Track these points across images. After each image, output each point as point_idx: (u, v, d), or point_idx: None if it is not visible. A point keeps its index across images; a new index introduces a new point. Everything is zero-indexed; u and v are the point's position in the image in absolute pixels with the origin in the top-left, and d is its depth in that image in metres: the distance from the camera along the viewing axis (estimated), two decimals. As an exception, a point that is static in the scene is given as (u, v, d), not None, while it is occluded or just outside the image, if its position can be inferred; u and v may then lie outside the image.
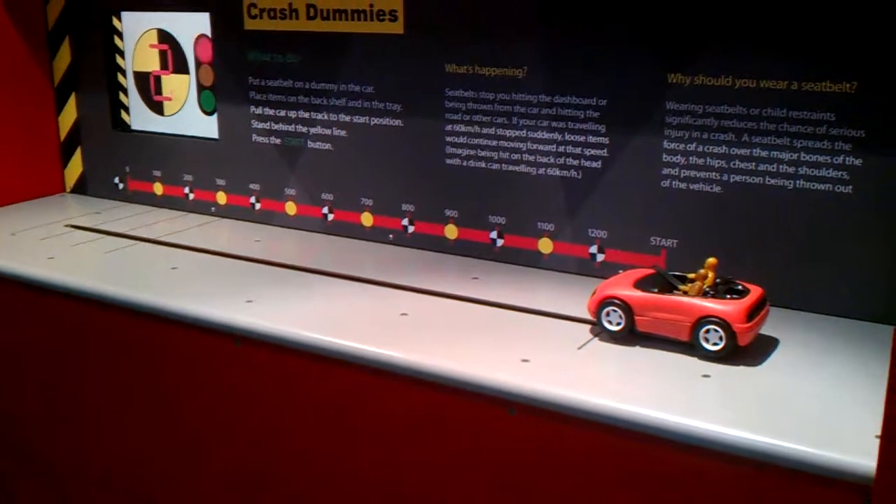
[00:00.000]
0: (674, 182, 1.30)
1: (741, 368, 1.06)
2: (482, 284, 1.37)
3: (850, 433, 0.91)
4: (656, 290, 1.13)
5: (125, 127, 1.90)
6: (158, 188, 1.85)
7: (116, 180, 1.91)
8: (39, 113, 1.92)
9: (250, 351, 1.24)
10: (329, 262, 1.47)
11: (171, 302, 1.31)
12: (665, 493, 0.98)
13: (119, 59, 1.87)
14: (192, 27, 1.74)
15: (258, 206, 1.73)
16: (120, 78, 1.88)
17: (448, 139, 1.48)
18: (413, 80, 1.50)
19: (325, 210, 1.65)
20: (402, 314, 1.25)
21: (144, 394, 1.40)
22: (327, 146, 1.62)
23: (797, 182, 1.22)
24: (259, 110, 1.68)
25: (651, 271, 1.19)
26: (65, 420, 1.53)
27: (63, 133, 1.96)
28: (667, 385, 1.02)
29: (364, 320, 1.23)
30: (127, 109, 1.89)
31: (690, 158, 1.28)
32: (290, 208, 1.69)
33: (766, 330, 1.13)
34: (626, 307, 1.12)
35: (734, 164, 1.25)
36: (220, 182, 1.76)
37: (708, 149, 1.27)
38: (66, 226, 1.72)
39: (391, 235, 1.58)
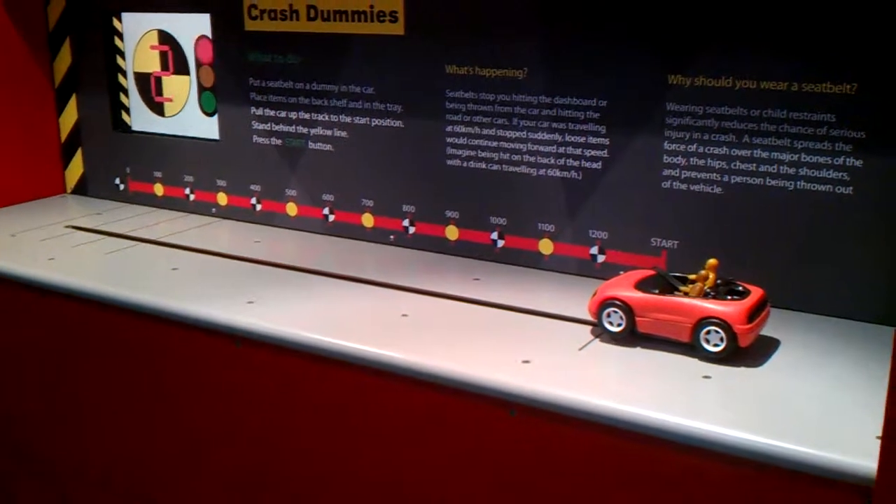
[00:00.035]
0: (674, 183, 1.30)
1: (742, 369, 1.06)
2: (483, 285, 1.37)
3: (851, 434, 0.91)
4: (657, 292, 1.13)
5: (126, 128, 1.90)
6: (159, 189, 1.85)
7: (117, 181, 1.91)
8: (40, 114, 1.92)
9: (251, 352, 1.24)
10: (330, 263, 1.47)
11: (171, 303, 1.31)
12: (666, 494, 0.98)
13: (120, 60, 1.87)
14: (192, 28, 1.74)
15: (259, 206, 1.73)
16: (121, 79, 1.88)
17: (448, 140, 1.48)
18: (413, 81, 1.50)
19: (326, 211, 1.65)
20: (403, 315, 1.25)
21: (145, 394, 1.40)
22: (328, 147, 1.62)
23: (798, 183, 1.22)
24: (260, 111, 1.68)
25: (652, 272, 1.19)
26: (65, 420, 1.53)
27: (64, 134, 1.96)
28: (667, 386, 1.02)
29: (365, 321, 1.23)
30: (128, 110, 1.89)
31: (691, 159, 1.28)
32: (291, 209, 1.69)
33: (767, 331, 1.13)
34: (627, 308, 1.12)
35: (735, 165, 1.25)
36: (221, 183, 1.76)
37: (708, 150, 1.27)
38: (67, 227, 1.72)
39: (392, 236, 1.58)
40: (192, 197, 1.81)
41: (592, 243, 1.39)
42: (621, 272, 1.25)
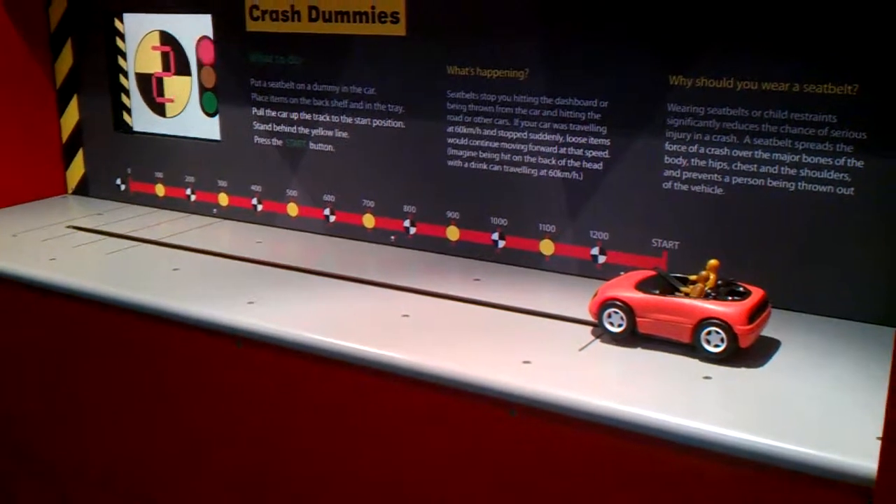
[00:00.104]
0: (675, 184, 1.30)
1: (742, 370, 1.06)
2: (483, 286, 1.37)
3: (852, 435, 0.91)
4: (658, 292, 1.13)
5: (127, 128, 1.90)
6: (160, 189, 1.85)
7: (118, 182, 1.91)
8: (41, 114, 1.93)
9: (251, 352, 1.24)
10: (331, 264, 1.47)
11: (172, 303, 1.31)
12: (666, 495, 0.98)
13: (121, 61, 1.87)
14: (193, 29, 1.74)
15: (260, 207, 1.73)
16: (122, 79, 1.88)
17: (450, 141, 1.48)
18: (415, 82, 1.50)
19: (327, 211, 1.65)
20: (404, 315, 1.25)
21: (145, 394, 1.40)
22: (329, 148, 1.62)
23: (799, 184, 1.22)
24: (261, 112, 1.68)
25: (652, 273, 1.19)
26: (65, 420, 1.53)
27: (65, 134, 1.97)
28: (668, 387, 1.02)
29: (365, 322, 1.23)
30: (129, 111, 1.89)
31: (692, 160, 1.28)
32: (292, 210, 1.69)
33: (768, 332, 1.13)
34: (628, 309, 1.12)
35: (736, 166, 1.25)
36: (222, 183, 1.76)
37: (709, 150, 1.27)
38: (68, 227, 1.72)
39: (393, 237, 1.58)
40: (193, 197, 1.81)
41: (593, 244, 1.39)
42: (622, 273, 1.25)
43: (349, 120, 1.58)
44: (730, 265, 1.18)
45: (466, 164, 1.48)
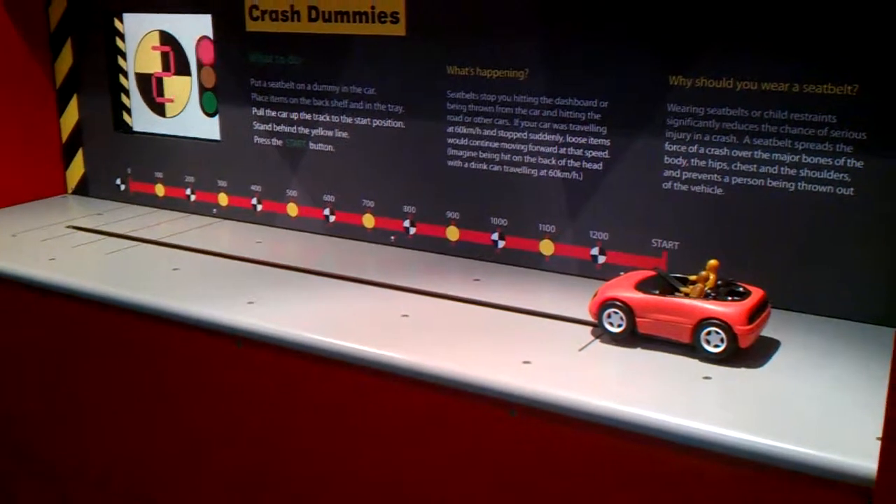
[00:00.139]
0: (675, 184, 1.30)
1: (742, 370, 1.06)
2: (483, 286, 1.37)
3: (851, 435, 0.91)
4: (657, 292, 1.13)
5: (127, 128, 1.90)
6: (160, 189, 1.85)
7: (118, 182, 1.91)
8: (41, 114, 1.93)
9: (251, 352, 1.24)
10: (330, 264, 1.47)
11: (172, 303, 1.31)
12: (666, 495, 0.98)
13: (121, 61, 1.87)
14: (193, 29, 1.74)
15: (260, 207, 1.73)
16: (122, 79, 1.88)
17: (449, 141, 1.48)
18: (415, 82, 1.50)
19: (327, 211, 1.65)
20: (404, 315, 1.25)
21: (145, 394, 1.40)
22: (329, 148, 1.62)
23: (798, 184, 1.22)
24: (261, 112, 1.68)
25: (652, 273, 1.19)
26: (65, 420, 1.53)
27: (65, 134, 1.97)
28: (668, 387, 1.02)
29: (365, 322, 1.23)
30: (129, 111, 1.89)
31: (692, 160, 1.28)
32: (292, 210, 1.69)
33: (768, 332, 1.13)
34: (628, 309, 1.12)
35: (735, 167, 1.25)
36: (222, 183, 1.76)
37: (709, 151, 1.27)
38: (68, 227, 1.72)
39: (393, 237, 1.58)
40: (192, 197, 1.81)
41: (593, 244, 1.39)
42: (622, 273, 1.25)
43: (349, 120, 1.58)
44: (729, 265, 1.18)
45: (466, 165, 1.48)
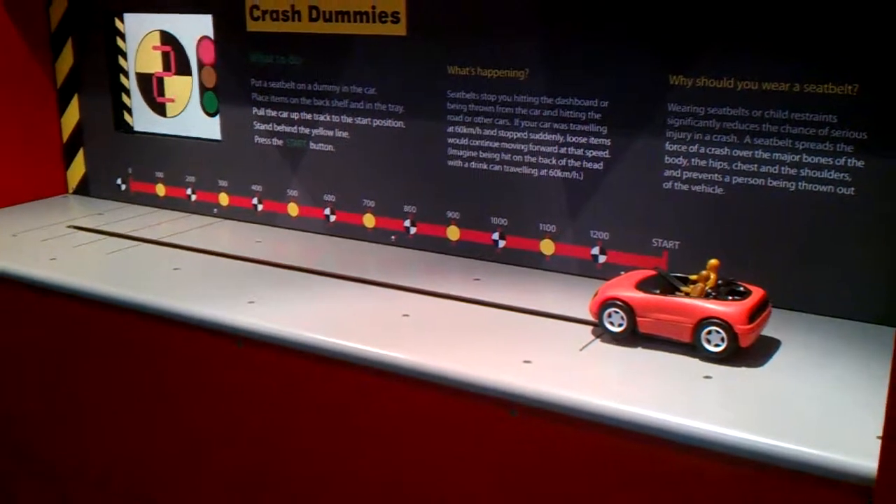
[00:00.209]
0: (676, 184, 1.30)
1: (743, 370, 1.06)
2: (484, 286, 1.37)
3: (852, 434, 0.91)
4: (658, 292, 1.13)
5: (128, 128, 1.90)
6: (161, 189, 1.85)
7: (119, 181, 1.91)
8: (42, 114, 1.93)
9: (252, 352, 1.24)
10: (331, 264, 1.47)
11: (173, 303, 1.31)
12: (666, 494, 0.98)
13: (122, 61, 1.87)
14: (194, 29, 1.74)
15: (260, 207, 1.73)
16: (122, 79, 1.88)
17: (450, 141, 1.48)
18: (415, 82, 1.50)
19: (328, 211, 1.65)
20: (404, 315, 1.25)
21: (146, 394, 1.40)
22: (329, 147, 1.62)
23: (799, 184, 1.22)
24: (261, 112, 1.68)
25: (653, 273, 1.19)
26: (65, 420, 1.53)
27: (65, 134, 1.97)
28: (668, 386, 1.02)
29: (366, 321, 1.23)
30: (129, 111, 1.89)
31: (692, 160, 1.28)
32: (293, 209, 1.69)
33: (768, 331, 1.13)
34: (628, 308, 1.12)
35: (736, 166, 1.25)
36: (223, 183, 1.76)
37: (710, 150, 1.27)
38: (69, 227, 1.72)
39: (393, 237, 1.58)
40: (193, 197, 1.81)
41: (594, 244, 1.39)
42: (622, 272, 1.25)
43: (349, 120, 1.58)
44: (730, 265, 1.18)
45: (467, 164, 1.48)
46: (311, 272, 1.44)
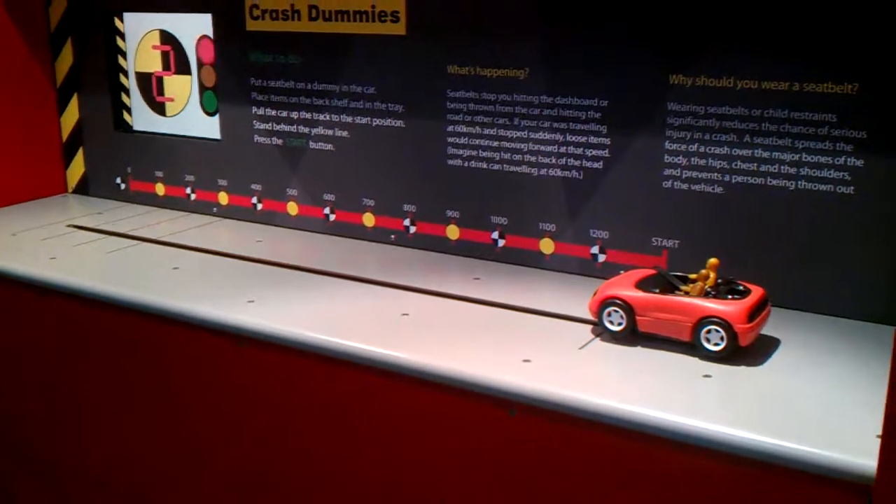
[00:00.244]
0: (675, 183, 1.30)
1: (742, 369, 1.06)
2: (484, 285, 1.37)
3: (852, 433, 0.91)
4: (658, 291, 1.13)
5: (127, 127, 1.90)
6: (160, 188, 1.85)
7: (118, 181, 1.91)
8: (41, 113, 1.93)
9: (251, 351, 1.24)
10: (331, 263, 1.47)
11: (172, 302, 1.31)
12: (666, 494, 0.98)
13: (121, 60, 1.87)
14: (194, 28, 1.74)
15: (260, 206, 1.73)
16: (122, 79, 1.88)
17: (450, 140, 1.48)
18: (415, 81, 1.50)
19: (327, 210, 1.65)
20: (404, 314, 1.25)
21: (145, 394, 1.40)
22: (329, 147, 1.62)
23: (799, 183, 1.22)
24: (261, 111, 1.68)
25: (652, 272, 1.19)
26: (65, 420, 1.53)
27: (65, 134, 1.97)
28: (668, 385, 1.02)
29: (366, 321, 1.23)
30: (129, 110, 1.89)
31: (692, 159, 1.28)
32: (292, 209, 1.69)
33: (768, 330, 1.13)
34: (628, 307, 1.12)
35: (736, 165, 1.25)
36: (222, 182, 1.76)
37: (709, 149, 1.27)
38: (68, 226, 1.72)
39: (393, 236, 1.58)
40: (193, 196, 1.81)
41: (593, 243, 1.39)
42: (622, 271, 1.25)
43: (349, 119, 1.58)
44: (730, 264, 1.18)
45: (466, 164, 1.48)
46: (310, 271, 1.44)
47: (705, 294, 1.11)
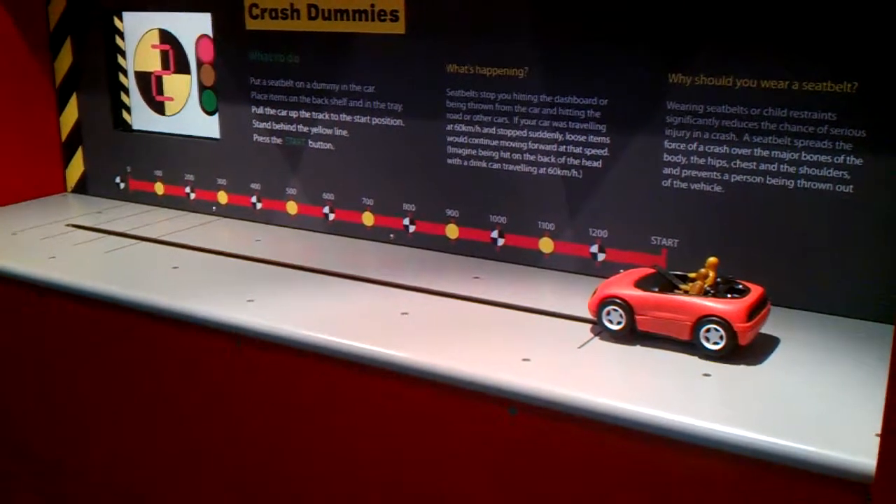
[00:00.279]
0: (675, 182, 1.30)
1: (742, 367, 1.06)
2: (483, 284, 1.37)
3: (851, 432, 0.91)
4: (657, 290, 1.13)
5: (126, 127, 1.90)
6: (159, 188, 1.85)
7: (118, 180, 1.91)
8: (41, 113, 1.93)
9: (251, 350, 1.24)
10: (330, 262, 1.47)
11: (172, 301, 1.31)
12: (664, 492, 0.98)
13: (120, 60, 1.87)
14: (193, 27, 1.74)
15: (259, 205, 1.73)
16: (121, 78, 1.88)
17: (449, 139, 1.48)
18: (414, 80, 1.50)
19: (327, 209, 1.65)
20: (403, 313, 1.25)
21: (145, 394, 1.40)
22: (328, 146, 1.62)
23: (798, 182, 1.22)
24: (260, 110, 1.68)
25: (652, 271, 1.19)
26: (65, 420, 1.53)
27: (64, 133, 1.97)
28: (667, 384, 1.02)
29: (365, 320, 1.23)
30: (128, 109, 1.89)
31: (691, 158, 1.28)
32: (292, 208, 1.69)
33: (767, 329, 1.13)
34: (627, 306, 1.12)
35: (735, 164, 1.25)
36: (222, 182, 1.76)
37: (709, 148, 1.27)
38: (68, 225, 1.72)
39: (392, 235, 1.58)
40: (192, 195, 1.81)
41: (593, 242, 1.39)
42: (621, 270, 1.25)
43: (348, 118, 1.58)
44: (729, 263, 1.18)
45: (466, 162, 1.48)
46: (309, 270, 1.44)
47: (704, 293, 1.11)
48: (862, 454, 0.86)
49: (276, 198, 1.70)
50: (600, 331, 1.17)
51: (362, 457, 1.20)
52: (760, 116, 1.22)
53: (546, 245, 1.43)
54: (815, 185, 1.21)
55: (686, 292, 1.12)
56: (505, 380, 1.04)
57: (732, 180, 1.26)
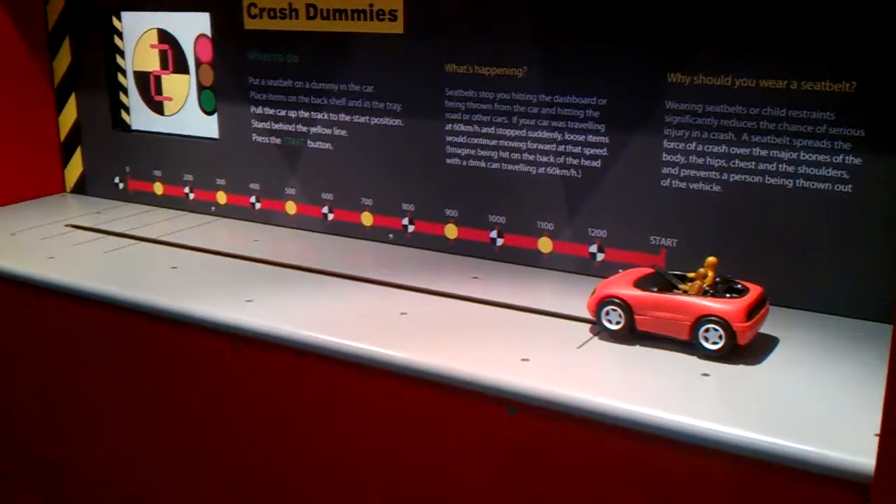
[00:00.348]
0: (673, 181, 1.30)
1: (741, 367, 1.06)
2: (482, 284, 1.37)
3: (850, 432, 0.91)
4: (656, 290, 1.13)
5: (125, 127, 1.90)
6: (158, 188, 1.85)
7: (116, 180, 1.91)
8: (40, 113, 1.92)
9: (250, 350, 1.24)
10: (329, 262, 1.47)
11: (171, 302, 1.31)
12: (664, 492, 0.98)
13: (119, 59, 1.87)
14: (192, 27, 1.74)
15: (258, 205, 1.73)
16: (120, 78, 1.88)
17: (448, 139, 1.48)
18: (413, 80, 1.50)
19: (325, 210, 1.65)
20: (402, 313, 1.25)
21: (144, 394, 1.40)
22: (327, 146, 1.62)
23: (797, 181, 1.22)
24: (259, 110, 1.68)
25: (651, 270, 1.19)
26: (65, 420, 1.53)
27: (63, 133, 1.96)
28: (666, 384, 1.02)
29: (364, 320, 1.23)
30: (127, 109, 1.89)
31: (690, 158, 1.28)
32: (290, 208, 1.69)
33: (766, 329, 1.13)
34: (626, 306, 1.12)
35: (734, 164, 1.25)
36: (221, 182, 1.76)
37: (708, 148, 1.27)
38: (67, 225, 1.72)
39: (391, 235, 1.58)
40: (191, 196, 1.81)
41: (592, 241, 1.39)
42: (620, 270, 1.25)
43: (347, 118, 1.58)
44: (728, 262, 1.18)
45: (465, 162, 1.48)
46: (308, 270, 1.44)
47: (704, 293, 1.11)
48: (861, 454, 0.86)
49: (275, 198, 1.70)
50: (599, 331, 1.17)
51: (361, 457, 1.20)
52: (759, 116, 1.22)
53: (545, 245, 1.43)
54: (813, 185, 1.21)
55: (685, 292, 1.12)
56: (504, 380, 1.04)
57: (731, 180, 1.26)
